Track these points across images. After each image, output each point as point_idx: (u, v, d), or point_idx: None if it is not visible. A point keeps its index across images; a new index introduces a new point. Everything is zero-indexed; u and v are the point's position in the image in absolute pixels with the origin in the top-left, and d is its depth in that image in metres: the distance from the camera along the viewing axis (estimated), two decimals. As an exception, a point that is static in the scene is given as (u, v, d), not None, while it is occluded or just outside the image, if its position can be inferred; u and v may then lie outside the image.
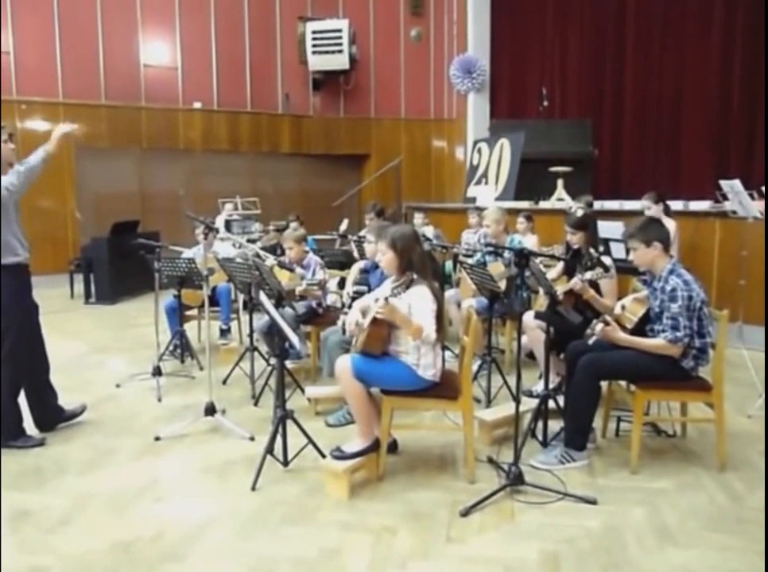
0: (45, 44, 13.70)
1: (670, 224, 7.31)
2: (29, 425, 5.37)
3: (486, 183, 13.34)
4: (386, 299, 4.06)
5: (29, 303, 5.31)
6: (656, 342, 4.54)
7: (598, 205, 9.52)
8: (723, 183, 7.06)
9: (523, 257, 4.33)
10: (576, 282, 5.07)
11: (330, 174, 16.58)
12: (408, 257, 4.45)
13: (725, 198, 7.56)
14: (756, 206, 7.00)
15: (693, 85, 14.63)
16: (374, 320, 4.29)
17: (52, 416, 5.53)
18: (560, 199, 11.87)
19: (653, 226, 4.73)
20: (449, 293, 7.43)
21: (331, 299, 7.27)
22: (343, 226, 10.53)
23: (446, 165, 17.08)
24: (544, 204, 11.26)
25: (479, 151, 14.03)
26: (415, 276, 4.39)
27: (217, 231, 6.77)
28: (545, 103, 13.91)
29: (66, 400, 5.73)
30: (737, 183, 6.82)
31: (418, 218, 10.52)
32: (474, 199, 12.94)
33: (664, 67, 14.87)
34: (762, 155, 12.89)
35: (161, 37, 14.91)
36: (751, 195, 7.03)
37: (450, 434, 5.20)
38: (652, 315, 4.71)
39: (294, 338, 4.52)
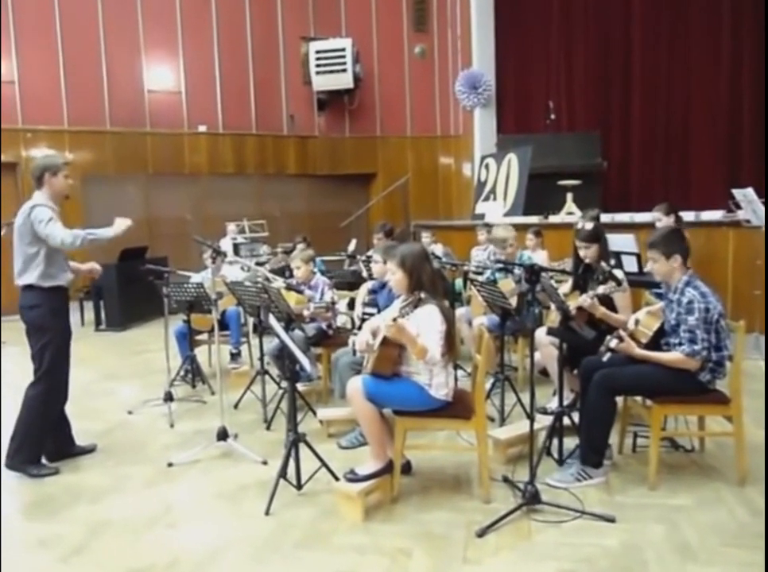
0: (49, 73, 13.80)
1: (682, 236, 7.26)
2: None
3: (495, 199, 13.31)
4: (394, 319, 4.03)
5: (67, 325, 5.40)
6: (673, 356, 4.47)
7: (608, 218, 9.46)
8: (736, 191, 7.01)
9: (534, 274, 4.28)
10: (584, 299, 5.03)
11: (337, 194, 16.56)
12: (418, 276, 4.42)
13: (738, 206, 7.49)
14: None
15: (702, 93, 14.57)
16: (384, 341, 4.26)
17: (63, 447, 5.50)
18: (570, 212, 11.81)
19: (676, 237, 4.65)
20: (460, 311, 7.40)
21: (341, 320, 7.25)
22: (351, 247, 10.52)
23: (453, 182, 17.03)
24: (553, 218, 11.18)
25: (487, 167, 14.01)
26: (423, 296, 4.36)
27: (225, 255, 6.75)
28: (552, 116, 13.87)
29: (79, 428, 5.73)
30: (750, 191, 6.77)
31: (426, 237, 10.49)
32: (482, 216, 12.91)
33: (672, 75, 14.81)
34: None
35: (164, 62, 14.99)
36: (765, 203, 6.97)
37: (464, 453, 5.16)
38: (667, 328, 4.65)
39: (304, 361, 4.48)
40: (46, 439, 5.29)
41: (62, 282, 5.24)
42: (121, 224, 5.45)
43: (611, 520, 4.12)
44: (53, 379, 5.21)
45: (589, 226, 5.53)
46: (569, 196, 12.16)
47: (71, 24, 13.90)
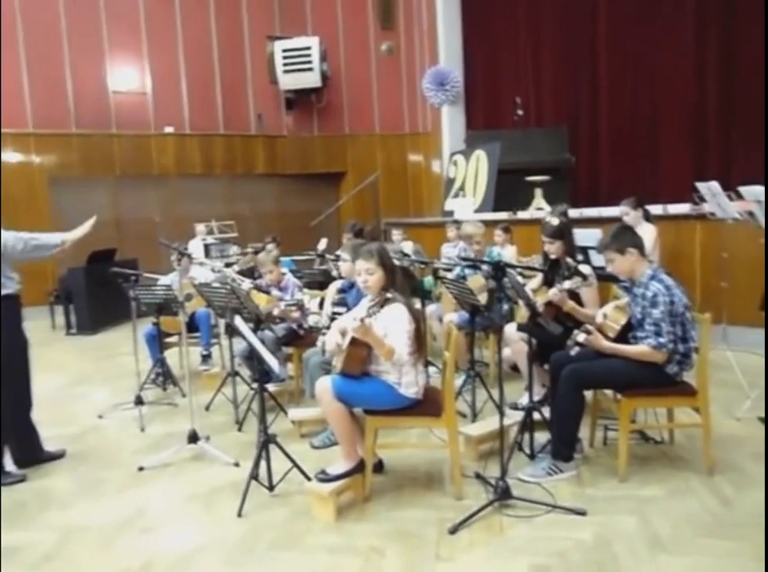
0: (12, 75, 13.66)
1: (650, 229, 7.30)
2: (7, 461, 5.29)
3: (464, 195, 13.33)
4: (362, 319, 4.02)
5: (19, 334, 5.29)
6: (640, 349, 4.51)
7: (576, 213, 9.49)
8: (700, 185, 7.04)
9: (499, 270, 4.30)
10: (554, 293, 5.05)
11: (307, 193, 16.52)
12: (393, 274, 4.44)
13: (702, 200, 7.54)
14: (735, 207, 6.98)
15: (669, 87, 14.56)
16: (353, 340, 4.24)
17: (32, 454, 5.45)
18: (539, 208, 11.85)
19: (624, 233, 4.72)
20: (431, 308, 7.42)
21: (313, 320, 7.23)
22: (322, 246, 10.49)
23: (423, 179, 17.03)
24: (522, 214, 11.20)
25: (456, 163, 14.02)
26: (390, 295, 4.36)
27: (190, 257, 6.71)
28: (520, 112, 13.87)
29: (49, 434, 5.70)
30: (714, 184, 6.80)
31: (397, 235, 10.51)
32: (452, 213, 12.93)
33: (639, 69, 14.77)
34: (740, 155, 12.95)
35: (129, 63, 14.92)
36: (729, 196, 7.01)
37: (436, 451, 5.13)
38: (634, 322, 4.68)
39: (273, 362, 4.45)
40: (5, 448, 5.23)
41: (10, 290, 5.14)
42: (80, 231, 5.37)
43: (583, 513, 4.14)
44: (4, 389, 5.13)
45: (554, 222, 5.56)
46: (538, 192, 12.21)
47: (33, 25, 13.78)
